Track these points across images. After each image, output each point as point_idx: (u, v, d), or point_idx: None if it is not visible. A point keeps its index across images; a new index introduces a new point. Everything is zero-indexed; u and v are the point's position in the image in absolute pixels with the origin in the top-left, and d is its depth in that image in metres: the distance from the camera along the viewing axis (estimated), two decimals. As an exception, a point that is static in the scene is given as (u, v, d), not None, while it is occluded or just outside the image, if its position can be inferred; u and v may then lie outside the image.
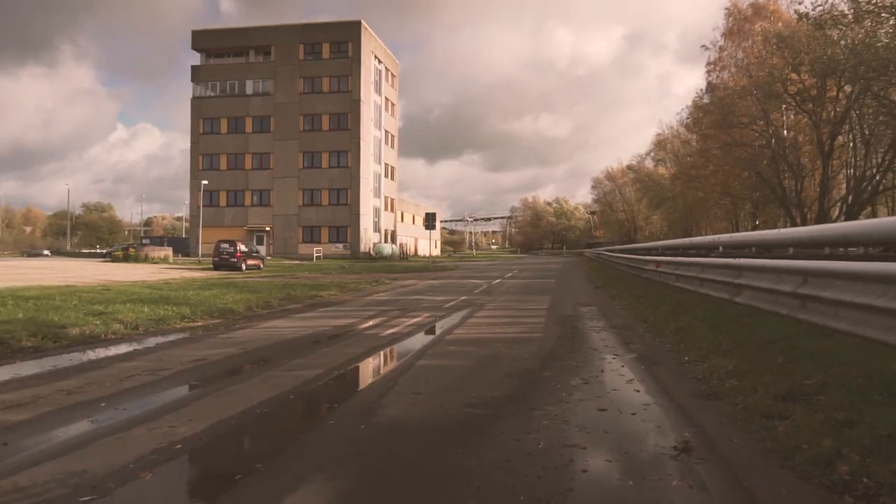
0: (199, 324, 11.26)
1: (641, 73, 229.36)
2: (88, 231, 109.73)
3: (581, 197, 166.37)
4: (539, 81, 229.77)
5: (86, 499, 3.23)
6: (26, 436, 4.42)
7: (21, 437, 4.36)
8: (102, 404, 5.29)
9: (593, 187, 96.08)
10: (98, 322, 10.10)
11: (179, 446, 4.14)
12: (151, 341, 9.15)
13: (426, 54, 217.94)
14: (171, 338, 9.55)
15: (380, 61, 67.97)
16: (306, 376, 6.56)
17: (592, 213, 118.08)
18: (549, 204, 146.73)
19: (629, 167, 76.33)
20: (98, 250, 79.50)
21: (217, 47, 65.66)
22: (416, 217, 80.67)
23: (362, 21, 62.91)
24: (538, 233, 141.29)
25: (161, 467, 3.74)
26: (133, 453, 3.96)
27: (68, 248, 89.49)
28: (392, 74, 72.88)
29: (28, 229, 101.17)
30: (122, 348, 8.48)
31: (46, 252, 74.96)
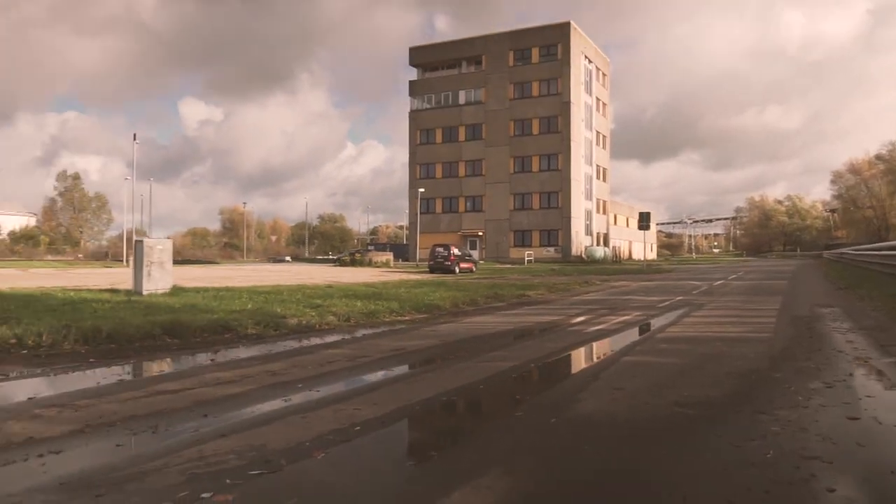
0: (406, 318, 11.47)
1: (893, 49, 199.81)
2: (323, 239, 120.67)
3: (818, 194, 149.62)
4: (765, 70, 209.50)
5: (256, 472, 3.12)
6: (225, 410, 4.54)
7: (220, 411, 4.48)
8: (299, 385, 5.36)
9: (833, 182, 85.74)
10: (314, 314, 10.65)
11: (358, 428, 3.96)
12: (359, 332, 9.41)
13: (638, 53, 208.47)
14: (378, 329, 9.76)
15: (590, 61, 66.61)
16: (501, 367, 6.21)
17: (832, 210, 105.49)
18: (779, 202, 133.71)
19: (878, 157, 67.08)
20: (330, 256, 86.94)
21: (432, 61, 68.70)
22: (629, 220, 77.76)
23: (571, 22, 62.10)
24: (767, 234, 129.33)
25: (335, 448, 3.56)
26: (313, 432, 3.85)
27: (306, 254, 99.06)
28: (603, 74, 71.07)
29: (274, 238, 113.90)
30: (331, 337, 8.78)
31: (288, 258, 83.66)
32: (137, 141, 47.20)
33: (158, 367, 6.61)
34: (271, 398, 4.91)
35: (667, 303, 14.49)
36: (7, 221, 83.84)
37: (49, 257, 69.56)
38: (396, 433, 4.09)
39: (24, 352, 7.07)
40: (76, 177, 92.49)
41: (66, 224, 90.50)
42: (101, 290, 14.17)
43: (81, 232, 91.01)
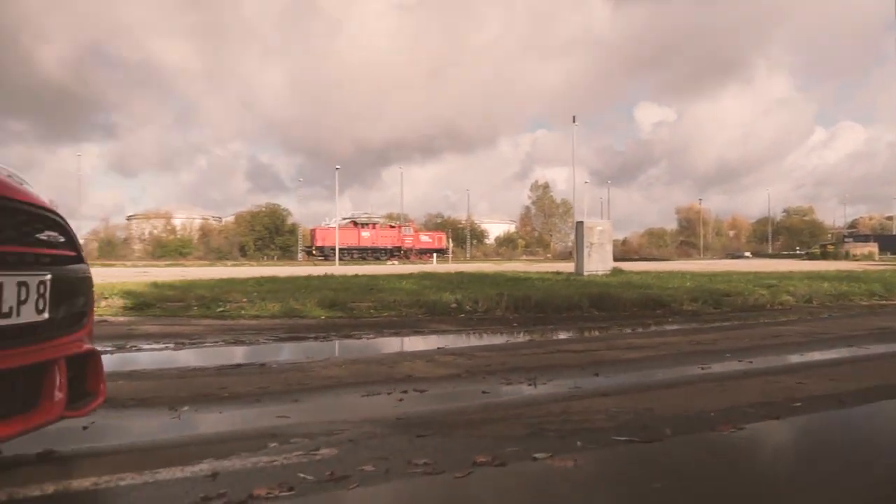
0: (894, 301, 8.94)
1: None
2: (789, 234, 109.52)
3: None
4: None
5: (622, 438, 2.17)
6: (622, 371, 3.70)
7: (616, 372, 3.65)
8: (727, 355, 4.20)
9: None
10: (765, 293, 9.03)
11: (798, 405, 2.64)
12: (823, 313, 7.57)
13: None
14: (849, 311, 7.71)
15: None
16: None
17: None
18: None
19: None
20: (797, 251, 78.68)
21: (928, 9, 56.08)
22: None
23: None
24: None
25: (753, 424, 2.34)
26: (725, 403, 2.70)
27: (769, 251, 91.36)
28: None
29: (732, 234, 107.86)
30: (784, 317, 7.18)
31: (747, 254, 78.15)
32: (576, 123, 48.11)
33: (572, 332, 6.09)
34: (685, 364, 3.88)
35: None
36: (493, 229, 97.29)
37: (523, 257, 78.37)
38: (865, 416, 2.62)
39: (462, 315, 7.34)
40: (546, 186, 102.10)
41: (538, 228, 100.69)
42: (546, 272, 14.71)
43: (550, 235, 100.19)
